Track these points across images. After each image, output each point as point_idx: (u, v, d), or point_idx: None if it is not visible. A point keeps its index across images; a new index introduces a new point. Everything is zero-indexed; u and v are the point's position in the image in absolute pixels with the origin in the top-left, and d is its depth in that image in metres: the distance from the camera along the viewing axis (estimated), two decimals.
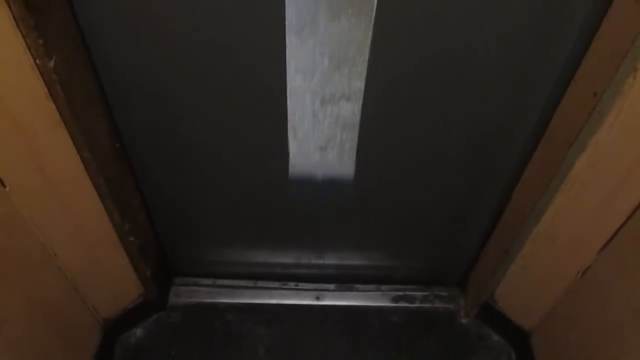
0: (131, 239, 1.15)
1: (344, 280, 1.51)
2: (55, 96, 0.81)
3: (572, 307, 1.17)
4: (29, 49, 0.74)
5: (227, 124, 1.02)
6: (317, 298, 1.50)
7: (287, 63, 0.88)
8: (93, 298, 1.24)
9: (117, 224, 1.09)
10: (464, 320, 1.47)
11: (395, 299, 1.51)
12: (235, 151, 1.09)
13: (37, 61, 0.76)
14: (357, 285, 1.52)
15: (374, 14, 0.81)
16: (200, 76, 0.92)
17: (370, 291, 1.52)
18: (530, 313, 1.32)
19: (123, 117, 1.00)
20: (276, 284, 1.51)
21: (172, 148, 1.08)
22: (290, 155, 1.08)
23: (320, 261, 1.46)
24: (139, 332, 1.41)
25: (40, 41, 0.74)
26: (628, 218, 0.95)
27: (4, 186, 0.88)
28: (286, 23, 0.82)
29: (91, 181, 0.98)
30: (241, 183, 1.18)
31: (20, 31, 0.72)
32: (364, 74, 0.90)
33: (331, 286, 1.52)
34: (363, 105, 0.97)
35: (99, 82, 0.92)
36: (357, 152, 1.07)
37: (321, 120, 1.00)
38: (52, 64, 0.77)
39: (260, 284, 1.51)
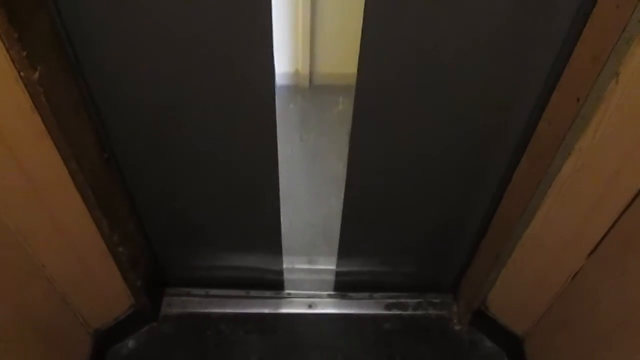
0: (120, 249, 1.14)
1: (337, 288, 1.51)
2: (40, 108, 0.81)
3: (563, 312, 1.17)
4: (13, 61, 0.74)
5: (218, 133, 1.03)
6: (310, 306, 1.50)
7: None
8: (83, 309, 1.24)
9: (106, 234, 1.09)
10: (457, 327, 1.47)
11: (388, 307, 1.51)
12: (227, 160, 1.09)
13: (22, 73, 0.76)
14: (350, 293, 1.52)
15: None
16: (192, 82, 0.92)
17: (363, 299, 1.52)
18: (523, 318, 1.32)
19: (111, 128, 1.00)
20: (268, 293, 1.51)
21: (162, 158, 1.08)
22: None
23: (313, 269, 1.46)
24: (130, 342, 1.40)
25: (24, 53, 0.74)
26: (616, 221, 0.95)
27: None
28: None
29: (79, 192, 0.98)
30: (233, 192, 1.18)
31: (4, 43, 0.72)
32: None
33: (324, 294, 1.52)
34: (355, 110, 0.97)
35: (88, 92, 0.92)
36: (348, 161, 1.08)
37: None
38: (36, 75, 0.77)
39: (252, 293, 1.50)
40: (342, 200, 1.19)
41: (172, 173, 1.12)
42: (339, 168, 1.83)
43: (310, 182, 1.81)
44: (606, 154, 0.86)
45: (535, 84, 0.91)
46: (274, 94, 0.94)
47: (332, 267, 1.45)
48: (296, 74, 2.22)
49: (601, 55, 0.75)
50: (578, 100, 0.80)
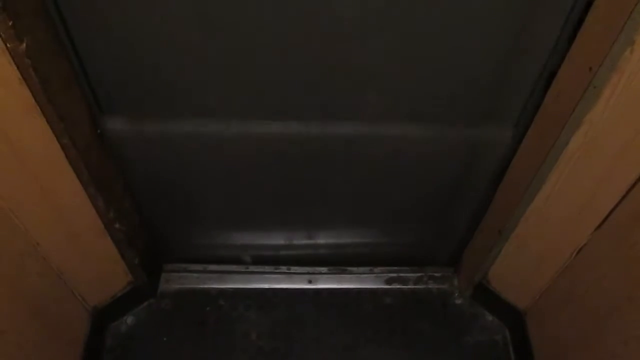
0: (117, 226, 1.12)
1: (337, 263, 1.50)
2: (28, 81, 0.77)
3: (566, 287, 1.16)
4: None
5: (214, 99, 0.99)
6: (310, 281, 1.49)
7: None
8: (80, 287, 1.22)
9: (101, 211, 1.06)
10: (458, 301, 1.46)
11: (389, 281, 1.49)
12: (222, 130, 1.06)
13: (8, 44, 0.72)
14: (350, 268, 1.51)
15: None
16: (188, 51, 0.88)
17: (363, 273, 1.50)
18: (525, 293, 1.31)
19: (105, 102, 0.97)
20: (268, 268, 1.49)
21: (157, 131, 1.05)
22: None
23: (312, 242, 1.44)
24: (129, 319, 1.39)
25: (10, 23, 0.70)
26: (623, 197, 0.92)
27: None
28: None
29: (72, 168, 0.94)
30: (229, 164, 1.15)
31: None
32: None
33: (324, 269, 1.50)
34: None
35: (79, 64, 0.88)
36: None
37: None
38: (23, 47, 0.73)
39: (251, 268, 1.49)
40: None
41: (168, 147, 1.09)
42: None
43: None
44: (617, 127, 0.83)
45: (542, 51, 0.87)
46: None
47: (332, 240, 1.43)
48: None
49: (616, 21, 0.71)
50: (590, 69, 0.77)
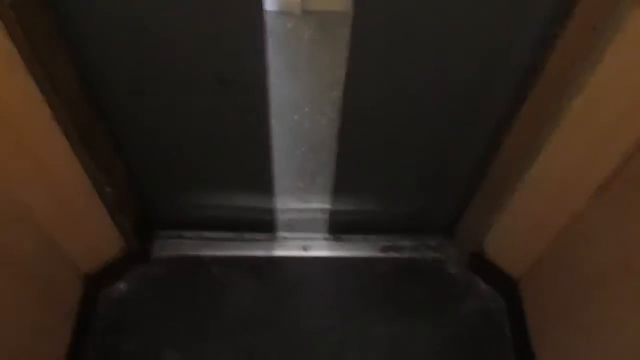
0: (107, 190, 1.10)
1: (332, 230, 1.49)
2: (13, 35, 0.75)
3: (560, 254, 1.15)
4: None
5: (206, 61, 0.96)
6: (305, 249, 1.48)
7: None
8: (72, 253, 1.20)
9: (91, 173, 1.04)
10: (453, 270, 1.46)
11: (384, 249, 1.49)
12: (214, 89, 1.03)
13: None
14: (346, 236, 1.50)
15: None
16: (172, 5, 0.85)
17: (358, 241, 1.50)
18: (520, 261, 1.31)
19: (92, 59, 0.94)
20: (262, 236, 1.48)
21: (145, 90, 1.02)
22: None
23: (307, 208, 1.42)
24: (121, 286, 1.38)
25: None
26: (621, 163, 0.91)
27: None
28: None
29: (60, 128, 0.92)
30: (220, 123, 1.12)
31: None
32: None
33: (319, 236, 1.49)
34: (351, 34, 0.91)
35: (64, 22, 0.85)
36: (343, 95, 1.02)
37: None
38: (8, 0, 0.71)
39: (246, 235, 1.48)
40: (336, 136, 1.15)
41: (158, 108, 1.06)
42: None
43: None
44: (620, 89, 0.81)
45: (544, 9, 0.85)
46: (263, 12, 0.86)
47: (327, 206, 1.41)
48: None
49: None
50: (594, 29, 0.75)
